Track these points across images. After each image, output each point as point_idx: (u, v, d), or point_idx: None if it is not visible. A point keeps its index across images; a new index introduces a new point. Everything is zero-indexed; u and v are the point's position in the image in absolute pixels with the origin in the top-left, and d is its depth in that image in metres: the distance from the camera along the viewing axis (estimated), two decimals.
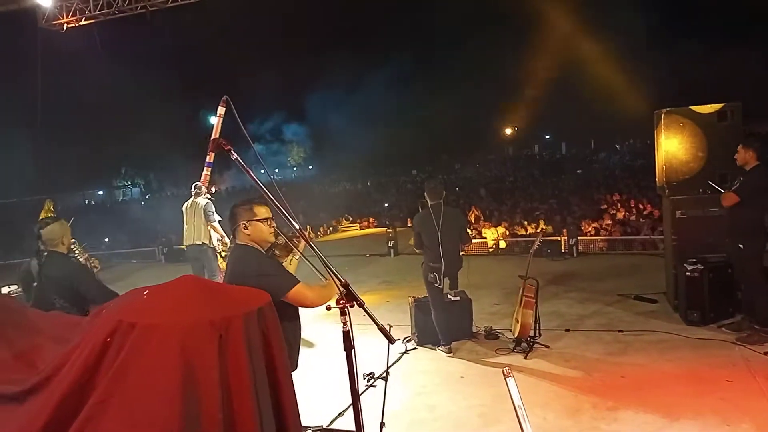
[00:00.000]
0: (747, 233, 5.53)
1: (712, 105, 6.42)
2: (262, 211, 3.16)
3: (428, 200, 5.94)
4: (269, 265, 3.09)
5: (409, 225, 6.69)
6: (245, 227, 3.13)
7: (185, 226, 7.98)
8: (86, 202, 43.02)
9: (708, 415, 4.09)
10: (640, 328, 6.14)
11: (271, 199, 2.59)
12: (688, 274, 6.12)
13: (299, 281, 3.06)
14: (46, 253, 4.00)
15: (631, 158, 29.23)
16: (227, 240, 7.69)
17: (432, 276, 5.84)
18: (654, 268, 8.43)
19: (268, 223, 3.17)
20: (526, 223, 14.80)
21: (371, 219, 21.10)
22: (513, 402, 3.00)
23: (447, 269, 5.87)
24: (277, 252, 3.50)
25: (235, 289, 2.32)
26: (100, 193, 48.12)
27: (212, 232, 7.91)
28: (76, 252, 4.85)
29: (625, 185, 18.46)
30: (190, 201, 8.00)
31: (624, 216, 14.19)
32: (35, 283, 3.99)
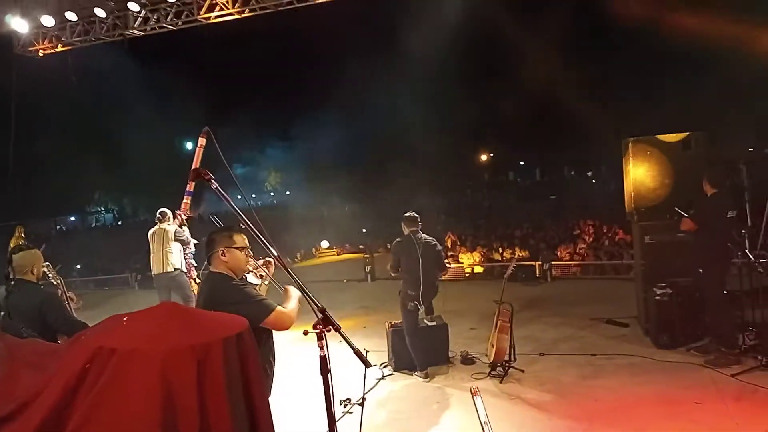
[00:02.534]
0: (707, 258, 5.71)
1: (677, 134, 6.66)
2: (241, 240, 3.21)
3: (406, 228, 6.03)
4: (246, 293, 3.10)
5: (388, 248, 6.78)
6: (223, 254, 3.16)
7: (152, 254, 7.83)
8: (58, 227, 42.22)
9: None
10: (612, 351, 6.25)
11: (250, 227, 2.65)
12: (657, 298, 6.27)
13: (276, 306, 3.10)
14: (13, 282, 3.90)
15: (602, 184, 29.86)
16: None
17: (412, 305, 5.90)
18: (626, 292, 8.57)
19: (246, 252, 3.21)
20: (501, 249, 14.97)
21: (348, 245, 21.14)
22: (479, 419, 3.07)
23: (424, 296, 5.95)
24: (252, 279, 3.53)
25: (214, 315, 2.34)
26: (73, 219, 47.26)
27: (177, 254, 7.77)
28: (50, 275, 4.75)
29: (598, 211, 18.79)
30: (155, 228, 7.89)
31: (596, 241, 14.44)
32: (2, 312, 3.85)
